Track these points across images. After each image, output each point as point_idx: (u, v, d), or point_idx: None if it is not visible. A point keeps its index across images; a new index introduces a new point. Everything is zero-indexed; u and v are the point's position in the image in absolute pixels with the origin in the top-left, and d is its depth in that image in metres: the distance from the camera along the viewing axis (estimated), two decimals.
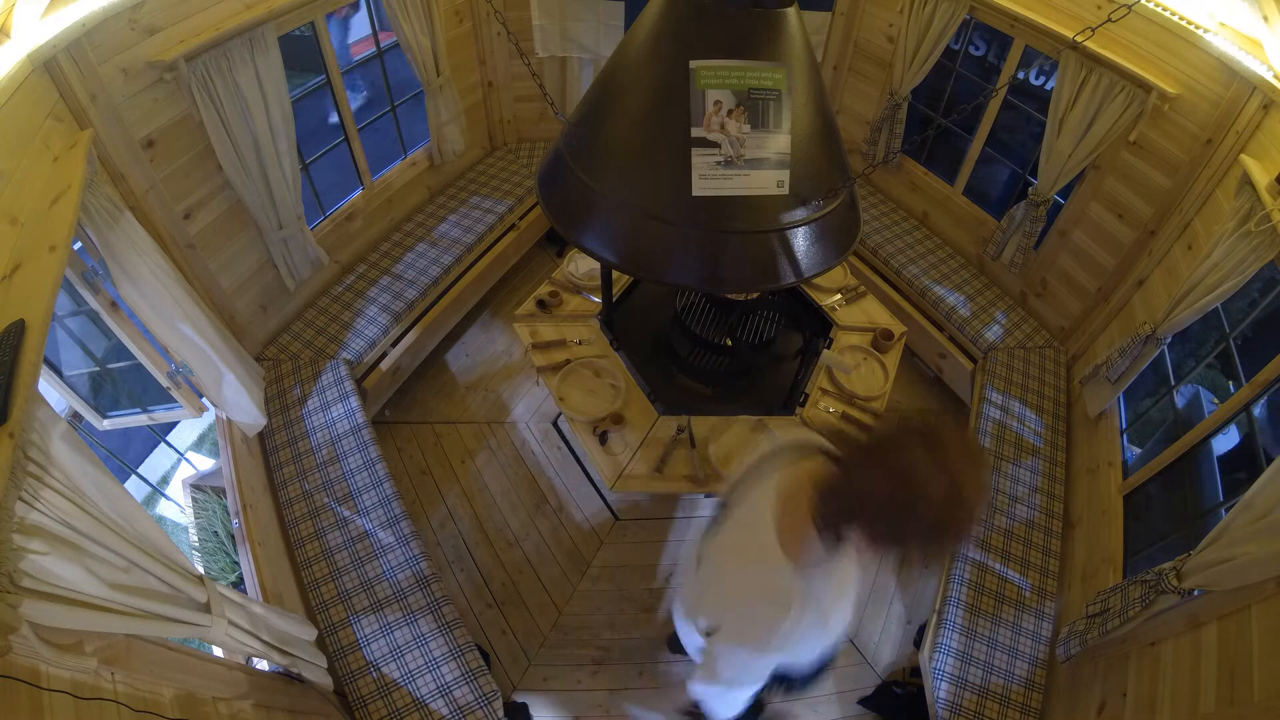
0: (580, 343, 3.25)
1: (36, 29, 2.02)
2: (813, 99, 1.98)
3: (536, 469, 3.69)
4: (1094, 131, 3.09)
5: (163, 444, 3.82)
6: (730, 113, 1.87)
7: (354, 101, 5.89)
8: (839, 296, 3.53)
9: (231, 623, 1.76)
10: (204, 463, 3.44)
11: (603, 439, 2.86)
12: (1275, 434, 2.48)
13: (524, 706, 2.80)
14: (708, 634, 1.67)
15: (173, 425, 4.03)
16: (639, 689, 2.95)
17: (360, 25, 6.68)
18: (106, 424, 2.90)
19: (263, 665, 2.18)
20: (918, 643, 2.96)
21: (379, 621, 2.53)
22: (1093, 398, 3.19)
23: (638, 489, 2.78)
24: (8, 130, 1.85)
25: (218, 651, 2.08)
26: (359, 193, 3.88)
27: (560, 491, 3.60)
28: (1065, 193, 3.49)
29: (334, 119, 4.32)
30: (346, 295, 3.69)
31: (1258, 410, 2.34)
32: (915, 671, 2.94)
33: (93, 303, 2.46)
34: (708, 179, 1.90)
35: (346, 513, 2.83)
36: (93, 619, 1.32)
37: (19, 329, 1.44)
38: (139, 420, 2.96)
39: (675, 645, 2.95)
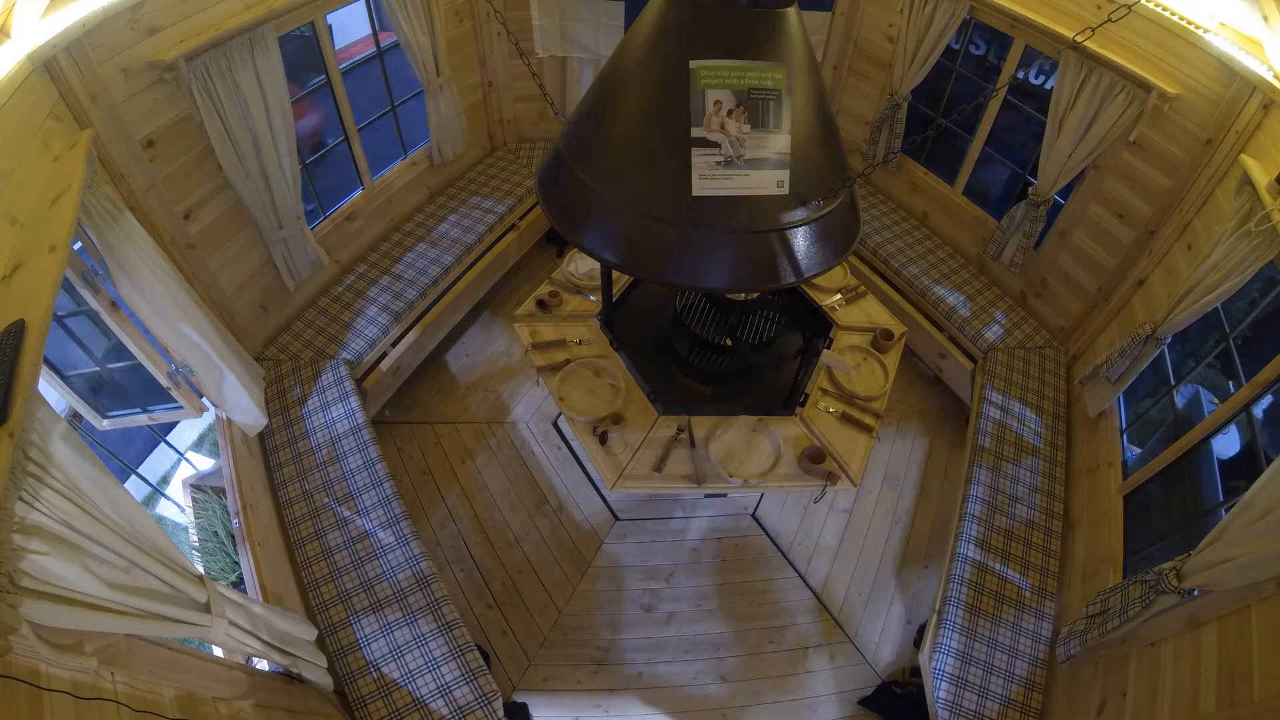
0: (580, 343, 3.25)
1: (36, 29, 2.02)
2: (813, 99, 1.99)
3: (536, 469, 3.69)
4: (1094, 131, 3.09)
5: (163, 444, 3.83)
6: (730, 113, 1.87)
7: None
8: (839, 296, 3.54)
9: (231, 623, 1.76)
10: (204, 463, 3.45)
11: (603, 439, 2.86)
12: (1275, 434, 2.48)
13: (524, 706, 2.80)
14: None
15: (173, 425, 4.04)
16: (639, 689, 2.95)
17: (360, 25, 6.67)
18: (106, 424, 2.90)
19: (263, 665, 2.18)
20: (918, 643, 2.96)
21: (379, 621, 2.53)
22: (1093, 398, 3.19)
23: (638, 489, 2.78)
24: (8, 130, 1.85)
25: (218, 651, 2.08)
26: (359, 193, 3.88)
27: (560, 491, 3.60)
28: (1065, 193, 3.49)
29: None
30: (346, 295, 3.69)
31: (1258, 411, 2.34)
32: (915, 671, 2.94)
33: (93, 303, 2.46)
34: (708, 179, 1.90)
35: (346, 513, 2.83)
36: (93, 619, 1.32)
37: (19, 329, 1.44)
38: (139, 420, 2.96)
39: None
